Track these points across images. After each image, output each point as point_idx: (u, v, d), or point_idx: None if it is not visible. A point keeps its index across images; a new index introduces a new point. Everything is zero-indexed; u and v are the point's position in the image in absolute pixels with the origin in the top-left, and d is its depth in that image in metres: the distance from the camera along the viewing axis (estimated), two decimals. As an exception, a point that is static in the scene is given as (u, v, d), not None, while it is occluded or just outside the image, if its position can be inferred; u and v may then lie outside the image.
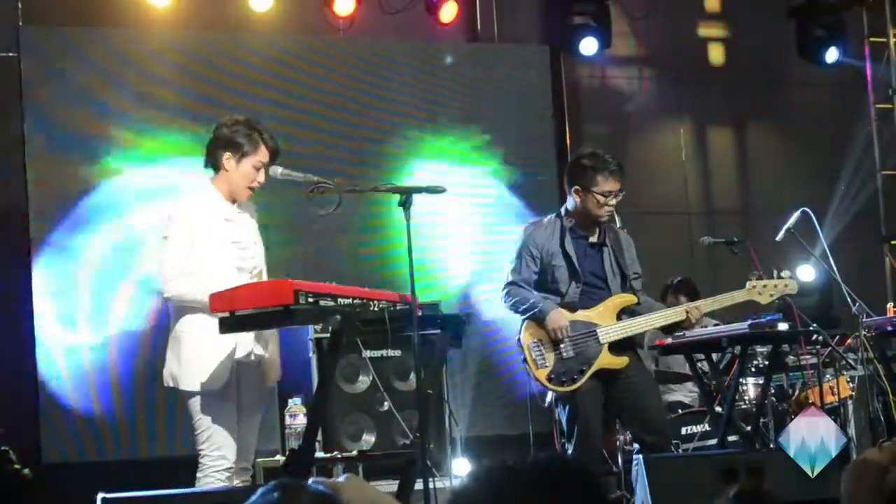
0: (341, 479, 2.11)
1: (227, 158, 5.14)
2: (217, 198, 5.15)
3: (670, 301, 7.92)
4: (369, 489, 2.13)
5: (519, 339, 5.94)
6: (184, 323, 5.04)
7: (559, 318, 5.83)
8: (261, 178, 5.16)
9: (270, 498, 2.00)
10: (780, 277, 6.10)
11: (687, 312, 5.95)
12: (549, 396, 5.94)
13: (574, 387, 5.80)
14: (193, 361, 4.99)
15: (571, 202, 6.00)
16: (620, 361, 5.87)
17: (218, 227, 5.10)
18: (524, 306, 5.90)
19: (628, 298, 5.97)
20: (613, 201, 5.93)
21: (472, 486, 1.91)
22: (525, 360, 5.90)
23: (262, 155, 5.14)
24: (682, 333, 6.27)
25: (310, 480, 2.13)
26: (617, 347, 5.89)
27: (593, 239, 6.03)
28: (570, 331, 5.83)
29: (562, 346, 5.82)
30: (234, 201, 5.20)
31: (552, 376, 5.83)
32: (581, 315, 5.89)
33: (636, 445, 6.07)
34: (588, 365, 5.83)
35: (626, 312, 5.97)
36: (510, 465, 1.92)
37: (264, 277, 5.26)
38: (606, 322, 5.89)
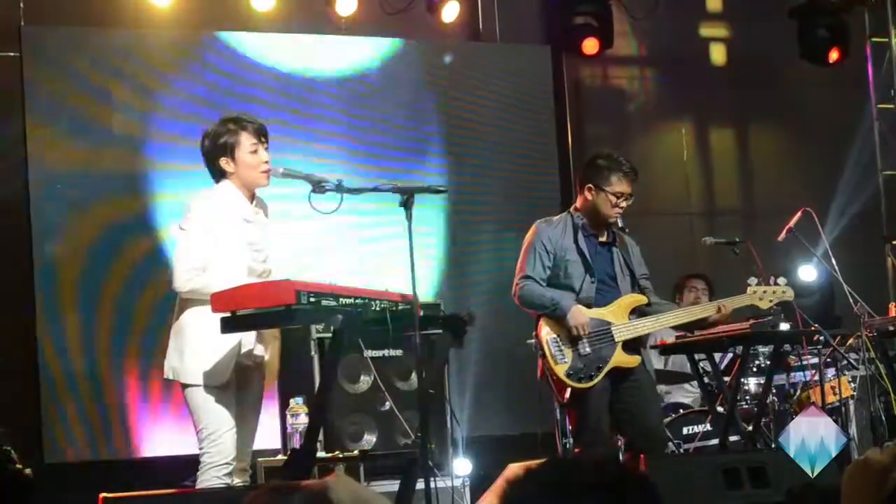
0: (329, 477, 2.11)
1: (225, 162, 5.16)
2: (238, 196, 5.15)
3: (692, 284, 8.00)
4: (358, 487, 2.13)
5: (537, 334, 5.94)
6: (187, 316, 5.03)
7: (580, 315, 5.83)
8: (264, 157, 5.17)
9: (264, 499, 2.00)
10: (776, 284, 6.14)
11: (719, 308, 5.98)
12: (567, 393, 5.93)
13: (592, 383, 5.82)
14: (196, 356, 4.99)
15: (582, 201, 6.02)
16: (633, 360, 5.89)
17: (237, 227, 5.10)
18: (541, 302, 5.89)
19: (639, 298, 5.99)
20: (624, 204, 5.95)
21: (526, 482, 1.91)
22: (543, 355, 5.90)
23: (248, 139, 5.16)
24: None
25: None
26: (628, 347, 5.90)
27: (602, 239, 6.05)
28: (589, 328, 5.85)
29: (580, 342, 5.83)
30: (253, 197, 5.21)
31: (571, 372, 5.83)
32: (595, 313, 5.90)
33: None
34: (604, 363, 5.84)
35: (635, 312, 5.98)
36: (565, 462, 1.93)
37: (273, 278, 5.25)
38: (619, 321, 5.91)
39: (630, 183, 5.95)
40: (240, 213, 5.14)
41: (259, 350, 5.13)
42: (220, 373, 4.99)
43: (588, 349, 5.84)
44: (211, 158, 5.18)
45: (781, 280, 6.16)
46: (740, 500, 5.42)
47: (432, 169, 8.91)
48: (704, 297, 7.82)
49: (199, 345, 5.00)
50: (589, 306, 5.92)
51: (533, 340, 6.00)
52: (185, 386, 5.04)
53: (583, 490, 1.90)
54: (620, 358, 5.87)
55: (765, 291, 6.10)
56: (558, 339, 5.87)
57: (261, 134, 5.21)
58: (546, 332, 5.89)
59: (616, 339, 5.87)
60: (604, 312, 5.92)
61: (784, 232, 6.94)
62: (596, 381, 5.83)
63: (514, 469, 1.97)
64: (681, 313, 6.10)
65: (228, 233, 5.07)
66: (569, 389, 5.87)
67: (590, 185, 5.97)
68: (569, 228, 6.01)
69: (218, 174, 5.20)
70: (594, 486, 1.91)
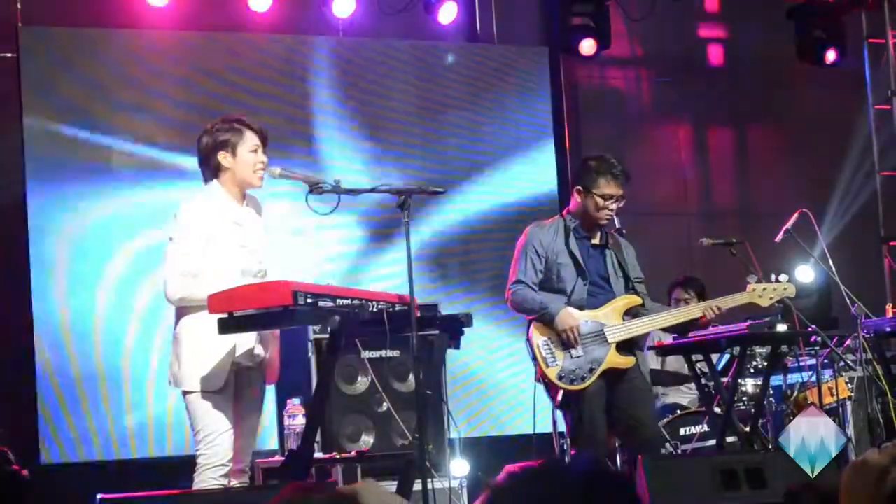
0: (358, 483, 2.13)
1: (223, 157, 5.13)
2: (226, 199, 5.14)
3: (678, 295, 7.96)
4: (386, 494, 2.15)
5: (528, 338, 5.94)
6: (184, 323, 5.03)
7: (569, 318, 5.83)
8: (262, 158, 5.17)
9: (289, 497, 2.02)
10: (778, 281, 6.12)
11: (705, 310, 5.97)
12: (560, 396, 5.94)
13: (584, 385, 5.81)
14: (192, 361, 4.99)
15: (574, 203, 6.03)
16: (627, 361, 5.88)
17: (226, 229, 5.09)
18: (531, 307, 5.90)
19: (633, 300, 5.98)
20: (613, 206, 5.94)
21: (510, 485, 1.93)
22: (534, 358, 5.90)
23: (251, 138, 5.16)
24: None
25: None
26: (623, 348, 5.90)
27: (595, 241, 6.05)
28: (580, 330, 5.84)
29: (571, 345, 5.83)
30: (243, 198, 5.20)
31: (562, 375, 5.84)
32: (588, 315, 5.90)
33: None
34: (597, 364, 5.83)
35: (630, 314, 5.98)
36: (549, 467, 1.94)
37: (268, 278, 5.25)
38: (613, 322, 5.91)
39: (619, 186, 5.94)
40: (228, 215, 5.12)
41: (259, 350, 5.13)
42: (216, 377, 4.98)
43: (580, 351, 5.84)
44: (208, 154, 5.15)
45: (783, 277, 6.15)
46: (737, 502, 5.42)
47: (430, 170, 8.91)
48: (691, 303, 7.80)
49: (194, 351, 4.99)
50: (581, 309, 5.91)
51: (525, 342, 6.01)
52: (183, 392, 5.05)
53: (562, 494, 1.91)
54: (614, 359, 5.87)
55: (764, 289, 6.09)
56: (549, 342, 5.88)
57: (262, 137, 5.21)
58: (537, 336, 5.90)
59: (609, 341, 5.87)
60: (598, 314, 5.92)
61: (781, 233, 6.94)
62: (588, 382, 5.82)
63: (505, 471, 1.98)
64: (676, 313, 6.10)
65: (217, 236, 5.06)
66: (561, 392, 5.87)
67: (579, 187, 5.99)
68: (560, 231, 6.00)
69: (210, 172, 5.17)
70: (573, 490, 1.92)
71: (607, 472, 1.99)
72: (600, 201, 5.91)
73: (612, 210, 5.95)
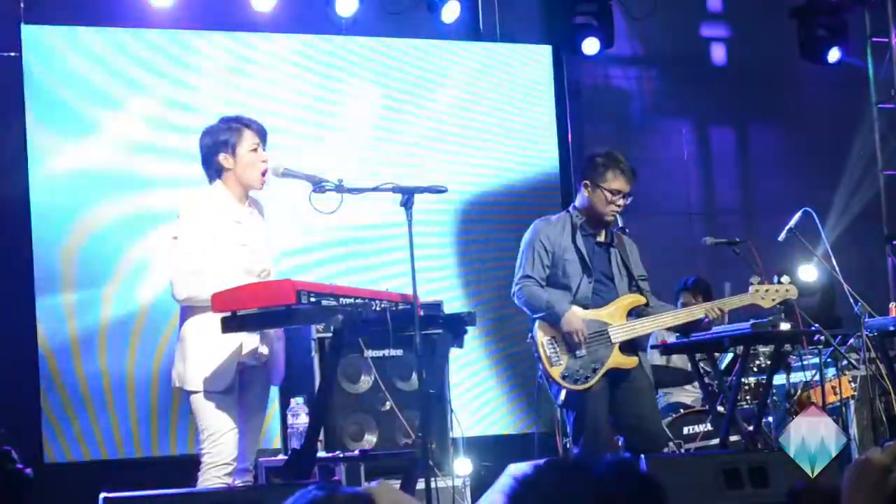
0: (373, 484, 2.13)
1: (224, 158, 5.14)
2: (227, 198, 5.14)
3: (685, 299, 7.95)
4: (401, 495, 2.15)
5: (533, 336, 5.95)
6: (189, 323, 5.04)
7: (574, 319, 5.83)
8: (263, 156, 5.18)
9: (309, 497, 2.02)
10: (780, 282, 6.13)
11: (707, 311, 5.97)
12: (563, 395, 5.94)
13: (588, 385, 5.82)
14: (198, 362, 5.00)
15: (581, 198, 6.03)
16: (631, 361, 5.89)
17: (228, 228, 5.09)
18: (537, 305, 5.90)
19: (637, 299, 5.99)
20: (621, 202, 5.95)
21: (538, 479, 1.92)
22: (539, 356, 5.90)
23: (251, 138, 5.17)
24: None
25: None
26: (626, 348, 5.90)
27: (601, 239, 6.06)
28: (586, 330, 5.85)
29: (575, 344, 5.83)
30: (245, 198, 5.20)
31: (566, 374, 5.84)
32: (592, 314, 5.90)
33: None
34: (601, 364, 5.84)
35: (634, 313, 5.98)
36: (577, 462, 1.94)
37: (272, 278, 5.25)
38: (617, 321, 5.91)
39: (627, 181, 5.95)
40: (229, 214, 5.13)
41: (264, 349, 5.13)
42: (221, 378, 4.99)
43: (584, 351, 5.84)
44: (210, 154, 5.17)
45: (785, 278, 6.16)
46: (740, 500, 5.42)
47: (432, 168, 8.91)
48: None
49: (200, 351, 5.00)
50: (586, 307, 5.92)
51: (530, 340, 6.01)
52: (189, 392, 5.05)
53: (593, 492, 1.91)
54: (618, 359, 5.87)
55: (766, 290, 6.10)
56: (554, 341, 5.88)
57: (261, 135, 5.22)
58: (541, 335, 5.90)
59: (613, 341, 5.87)
60: (601, 313, 5.92)
61: (784, 232, 6.94)
62: (591, 382, 5.83)
63: (520, 468, 1.98)
64: (678, 314, 6.10)
65: (218, 235, 5.06)
66: (564, 391, 5.87)
67: (586, 181, 5.99)
68: (567, 227, 6.01)
69: (213, 173, 5.19)
70: (602, 486, 1.92)
71: (635, 469, 1.99)
72: (608, 195, 5.92)
73: (619, 206, 5.96)
